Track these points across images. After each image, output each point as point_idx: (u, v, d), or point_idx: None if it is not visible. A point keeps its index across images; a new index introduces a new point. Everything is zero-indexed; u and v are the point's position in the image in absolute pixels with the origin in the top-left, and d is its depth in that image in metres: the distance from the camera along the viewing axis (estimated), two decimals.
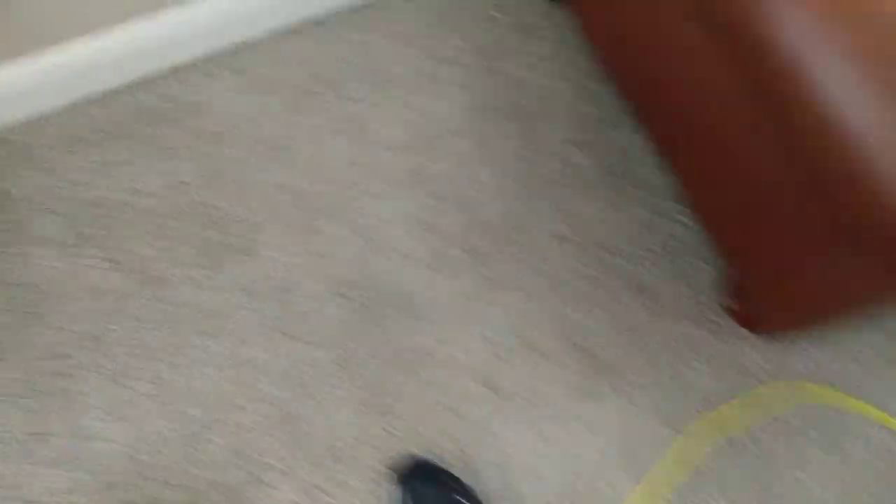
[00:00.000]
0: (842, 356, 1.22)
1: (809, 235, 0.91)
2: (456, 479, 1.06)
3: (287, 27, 1.38)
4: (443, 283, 1.21)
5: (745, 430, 1.16)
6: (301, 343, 1.17)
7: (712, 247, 1.28)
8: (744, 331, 1.22)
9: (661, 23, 1.05)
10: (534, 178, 1.30)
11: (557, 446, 1.13)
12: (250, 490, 1.08)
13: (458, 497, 1.02)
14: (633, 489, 1.11)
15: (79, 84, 1.25)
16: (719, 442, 1.15)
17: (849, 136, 0.78)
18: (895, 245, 0.78)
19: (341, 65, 1.37)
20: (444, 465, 1.09)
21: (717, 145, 1.02)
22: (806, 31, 0.80)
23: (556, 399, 1.16)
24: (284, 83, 1.34)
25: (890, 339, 1.25)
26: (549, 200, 1.28)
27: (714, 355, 1.20)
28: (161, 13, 1.23)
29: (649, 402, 1.16)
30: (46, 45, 1.17)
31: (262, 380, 1.14)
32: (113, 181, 1.24)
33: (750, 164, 0.96)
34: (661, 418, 1.15)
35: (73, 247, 1.19)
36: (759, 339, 1.22)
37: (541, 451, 1.12)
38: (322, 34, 1.39)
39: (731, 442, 1.15)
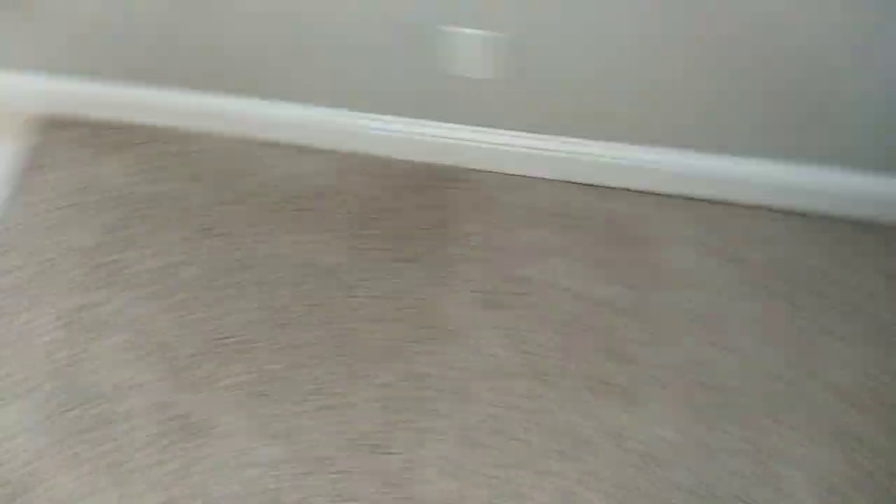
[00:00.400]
0: None
1: None
2: None
3: (773, 205, 1.35)
4: None
5: None
6: None
7: None
8: None
9: None
10: None
11: None
12: None
13: None
14: None
15: (568, 169, 1.36)
16: None
17: None
18: None
19: (814, 268, 1.29)
20: None
21: None
22: None
23: None
24: (745, 260, 1.30)
25: None
26: None
27: None
28: (670, 148, 1.30)
29: None
30: (566, 134, 1.31)
31: None
32: (541, 264, 1.31)
33: None
34: None
35: (484, 304, 1.28)
36: None
37: None
38: (806, 229, 1.33)
39: None
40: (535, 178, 1.38)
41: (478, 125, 1.35)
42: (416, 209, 1.35)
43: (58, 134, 1.49)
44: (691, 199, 1.36)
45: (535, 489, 1.13)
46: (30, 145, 1.48)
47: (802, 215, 1.35)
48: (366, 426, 1.19)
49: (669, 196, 1.36)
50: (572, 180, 1.39)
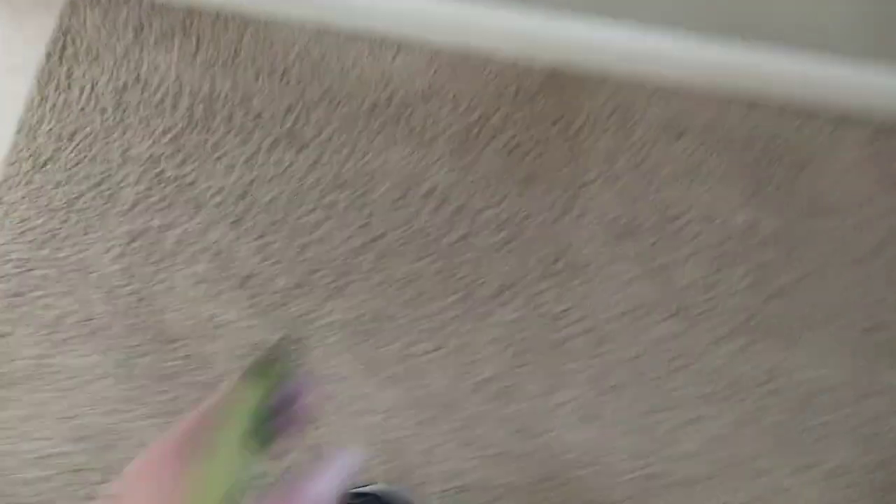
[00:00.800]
0: None
1: None
2: None
3: None
4: None
5: None
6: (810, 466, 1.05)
7: None
8: None
9: None
10: None
11: None
12: None
13: None
14: None
15: (720, 76, 1.23)
16: None
17: None
18: None
19: None
20: None
21: None
22: None
23: None
24: None
25: None
26: None
27: None
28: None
29: None
30: (722, 34, 1.18)
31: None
32: (683, 188, 1.20)
33: None
34: None
35: (618, 232, 1.18)
36: None
37: None
38: None
39: None
40: (679, 86, 1.25)
41: (618, 18, 1.19)
42: (538, 120, 1.22)
43: (96, 11, 1.27)
44: (863, 119, 1.25)
45: (684, 435, 1.09)
46: (63, 25, 1.26)
47: None
48: (491, 369, 1.11)
49: (837, 114, 1.25)
50: (723, 90, 1.26)
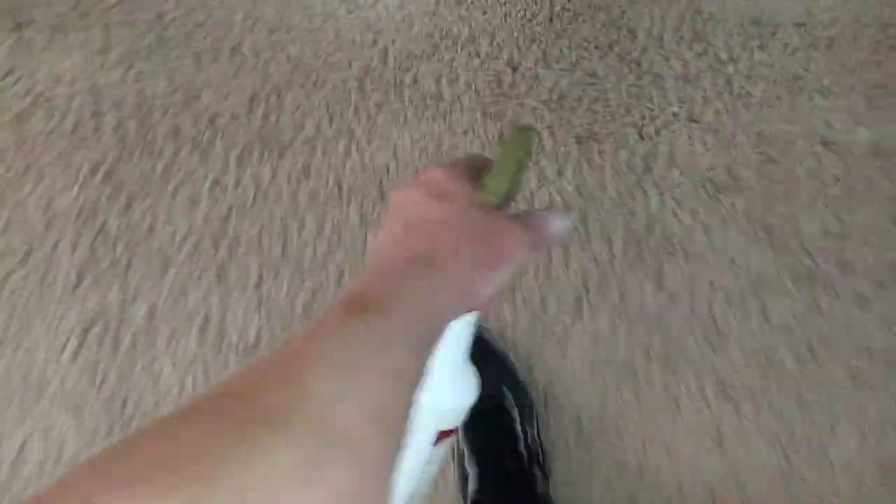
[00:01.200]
0: None
1: None
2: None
3: None
4: None
5: None
6: None
7: None
8: None
9: None
10: None
11: None
12: None
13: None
14: None
15: None
16: None
17: None
18: None
19: None
20: None
21: None
22: None
23: None
24: None
25: None
26: None
27: None
28: None
29: None
30: None
31: None
32: (785, 108, 0.93)
33: None
34: None
35: (713, 187, 0.92)
36: None
37: None
38: None
39: None
40: None
41: None
42: (586, 49, 0.92)
43: None
44: None
45: (836, 439, 0.88)
46: None
47: None
48: (578, 398, 0.88)
49: None
50: None
